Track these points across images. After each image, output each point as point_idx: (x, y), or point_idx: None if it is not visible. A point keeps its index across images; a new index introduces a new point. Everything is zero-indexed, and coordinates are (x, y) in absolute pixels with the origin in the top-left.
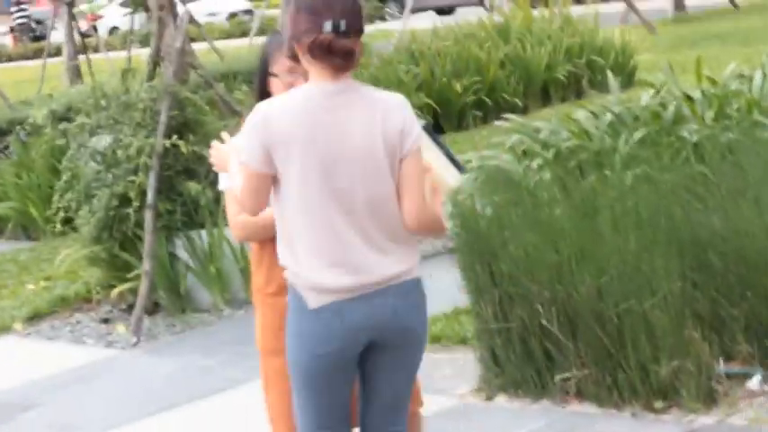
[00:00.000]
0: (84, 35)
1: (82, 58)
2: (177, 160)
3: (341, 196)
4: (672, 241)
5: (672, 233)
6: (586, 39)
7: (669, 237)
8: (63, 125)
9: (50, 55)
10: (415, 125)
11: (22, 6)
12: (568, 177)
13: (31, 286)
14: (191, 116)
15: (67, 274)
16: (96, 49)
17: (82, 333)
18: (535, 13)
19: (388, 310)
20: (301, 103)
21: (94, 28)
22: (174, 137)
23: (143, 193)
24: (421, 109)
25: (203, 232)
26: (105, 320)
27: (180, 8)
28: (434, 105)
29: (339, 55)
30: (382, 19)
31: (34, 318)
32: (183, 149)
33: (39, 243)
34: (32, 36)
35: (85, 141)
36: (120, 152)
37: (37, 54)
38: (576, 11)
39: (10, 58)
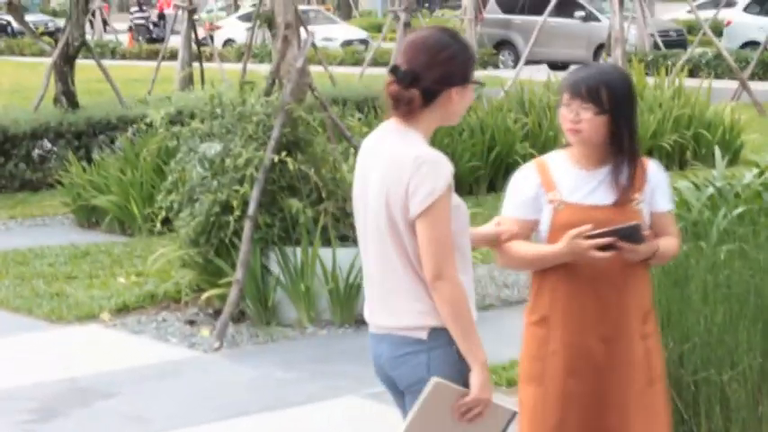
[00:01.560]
0: (200, 43)
1: (195, 65)
2: (282, 176)
3: (363, 239)
4: (758, 318)
5: (759, 310)
6: (696, 111)
7: (756, 313)
8: (177, 128)
9: (164, 58)
10: (422, 187)
11: (142, 7)
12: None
13: (122, 280)
14: (302, 135)
15: (159, 272)
16: (210, 59)
17: (167, 331)
18: (649, 79)
19: (381, 356)
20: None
21: (211, 38)
22: (283, 153)
23: (245, 204)
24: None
25: (298, 249)
26: (191, 322)
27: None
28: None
29: (389, 96)
30: (495, 66)
31: (122, 310)
32: (291, 166)
33: (134, 239)
34: (148, 37)
35: (196, 146)
36: (228, 161)
37: (150, 55)
38: (689, 83)
39: (124, 56)
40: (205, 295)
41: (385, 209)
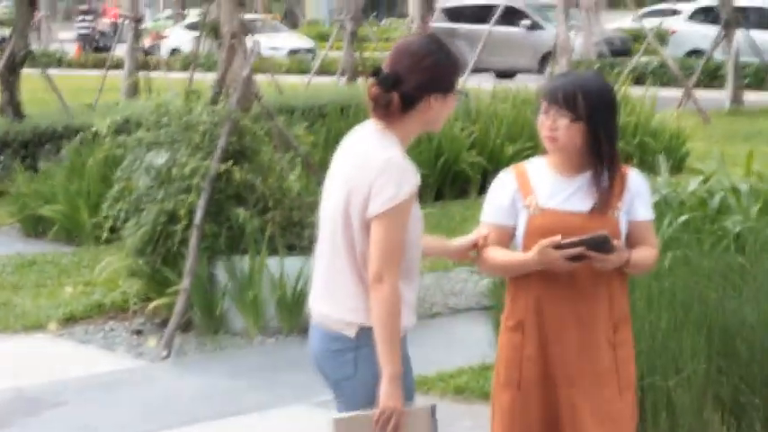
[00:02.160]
0: (146, 52)
1: (142, 74)
2: (229, 185)
3: (321, 226)
4: (702, 324)
5: (703, 317)
6: (641, 119)
7: (700, 320)
8: (122, 137)
9: (110, 67)
10: (386, 189)
11: (86, 17)
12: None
13: (69, 289)
14: (248, 144)
15: (107, 282)
16: (156, 68)
17: (114, 341)
18: None
19: (314, 346)
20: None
21: (157, 47)
22: (230, 162)
23: (191, 213)
24: (471, 167)
25: (245, 258)
26: (138, 332)
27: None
28: (485, 164)
29: (369, 98)
30: None
31: (69, 320)
32: (237, 175)
33: (81, 249)
34: (95, 47)
35: (142, 155)
36: (174, 170)
37: (97, 64)
38: (635, 91)
39: (70, 66)
40: (152, 305)
41: (343, 204)
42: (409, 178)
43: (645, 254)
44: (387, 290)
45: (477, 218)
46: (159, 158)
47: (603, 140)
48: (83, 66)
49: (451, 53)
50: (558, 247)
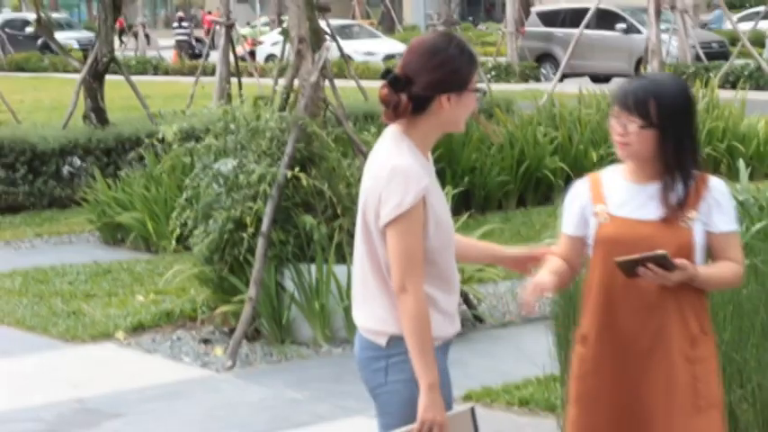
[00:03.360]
0: (241, 58)
1: (235, 80)
2: (297, 192)
3: (356, 238)
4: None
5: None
6: (730, 124)
7: (766, 331)
8: (190, 144)
9: (206, 74)
10: (391, 198)
11: (183, 24)
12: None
13: (140, 298)
14: (316, 150)
15: (177, 290)
16: (251, 74)
17: (180, 350)
18: None
19: (356, 354)
20: None
21: (252, 54)
22: (297, 169)
23: (259, 221)
24: (554, 173)
25: (313, 266)
26: (206, 341)
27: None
28: (568, 170)
29: (379, 100)
30: (537, 79)
31: (137, 329)
32: (304, 182)
33: (157, 256)
34: (191, 53)
35: (210, 163)
36: (242, 177)
37: (193, 71)
38: (725, 95)
39: (167, 72)
40: (218, 312)
41: (362, 213)
42: (413, 185)
43: (723, 270)
44: (411, 300)
45: (558, 224)
46: (227, 165)
47: (676, 147)
48: (180, 72)
49: (464, 49)
50: (626, 262)
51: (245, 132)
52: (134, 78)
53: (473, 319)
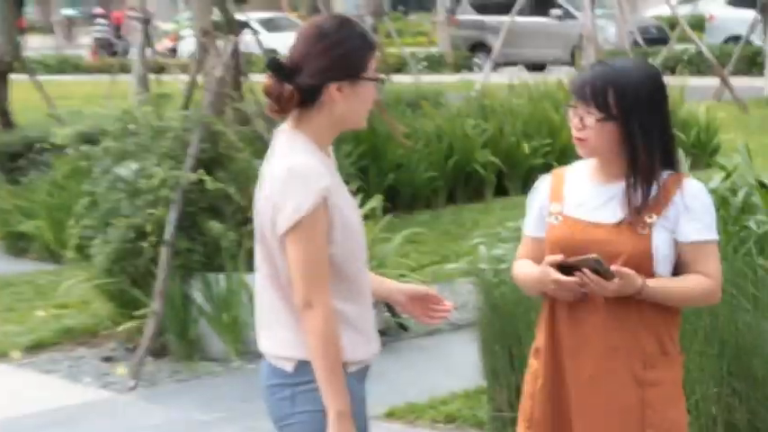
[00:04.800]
0: (161, 55)
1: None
2: (203, 196)
3: (256, 252)
4: (713, 341)
5: (713, 332)
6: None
7: (710, 336)
8: (86, 147)
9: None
10: (289, 202)
11: (101, 21)
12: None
13: (41, 313)
14: (223, 151)
15: (80, 304)
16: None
17: (80, 370)
18: None
19: (260, 379)
20: None
21: (174, 50)
22: (202, 171)
23: (162, 228)
24: (485, 167)
25: (222, 276)
26: (108, 359)
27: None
28: (500, 164)
29: (264, 94)
30: (470, 69)
31: (36, 347)
32: (210, 186)
33: (62, 267)
34: (112, 52)
35: (109, 167)
36: (143, 181)
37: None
38: (669, 81)
39: (87, 71)
40: (120, 328)
41: (259, 227)
42: (312, 185)
43: (688, 284)
44: (317, 316)
45: (489, 222)
46: (127, 169)
47: (641, 143)
48: (99, 71)
49: (357, 32)
50: (563, 266)
51: (145, 133)
52: (52, 78)
53: (397, 328)
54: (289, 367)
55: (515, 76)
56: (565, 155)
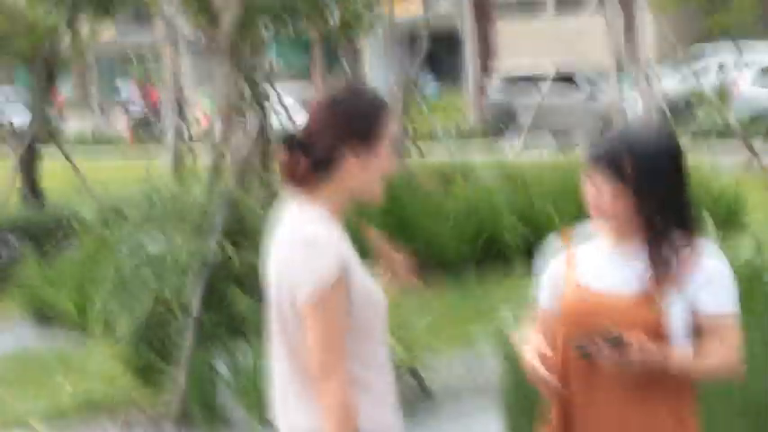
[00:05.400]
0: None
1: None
2: (229, 269)
3: (271, 331)
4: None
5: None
6: (703, 183)
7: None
8: (112, 220)
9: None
10: (307, 274)
11: (134, 101)
12: None
13: (66, 385)
14: (249, 226)
15: (105, 377)
16: None
17: None
18: None
19: None
20: None
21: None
22: (228, 246)
23: (187, 300)
24: (515, 240)
25: (247, 347)
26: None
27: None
28: (531, 239)
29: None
30: (499, 143)
31: (59, 419)
32: (235, 260)
33: (90, 339)
34: (149, 131)
35: (135, 242)
36: (169, 256)
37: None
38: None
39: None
40: (143, 401)
41: (276, 304)
42: (332, 256)
43: (708, 355)
44: (334, 391)
45: (518, 298)
46: (153, 243)
47: (657, 211)
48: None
49: (367, 95)
50: (581, 349)
51: (172, 209)
52: (89, 160)
53: (420, 393)
54: None
55: (546, 151)
56: None
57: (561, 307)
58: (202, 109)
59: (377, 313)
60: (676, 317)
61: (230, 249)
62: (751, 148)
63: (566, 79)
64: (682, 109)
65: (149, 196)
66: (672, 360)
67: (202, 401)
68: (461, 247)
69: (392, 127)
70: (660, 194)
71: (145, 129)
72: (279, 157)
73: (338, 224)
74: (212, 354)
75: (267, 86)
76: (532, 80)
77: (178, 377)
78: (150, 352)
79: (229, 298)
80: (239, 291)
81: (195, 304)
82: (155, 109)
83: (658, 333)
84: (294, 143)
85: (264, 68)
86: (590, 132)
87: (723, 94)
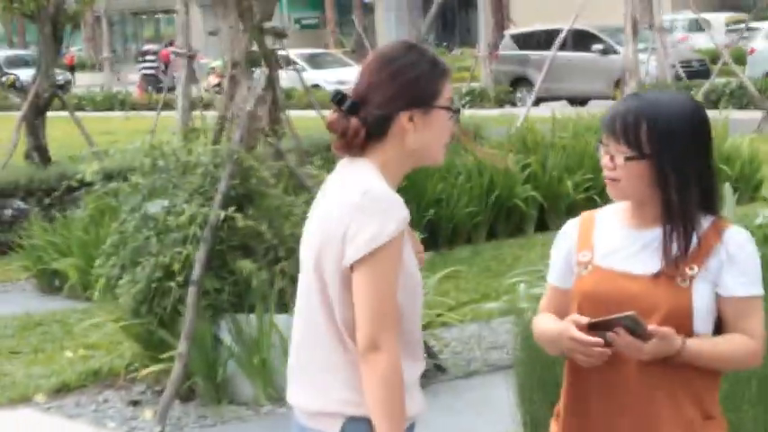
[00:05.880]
0: (206, 90)
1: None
2: (233, 234)
3: (299, 293)
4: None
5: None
6: (714, 145)
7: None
8: (114, 184)
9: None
10: (366, 228)
11: (148, 57)
12: None
13: (68, 353)
14: (254, 187)
15: (109, 344)
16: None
17: (106, 414)
18: None
19: None
20: None
21: (219, 85)
22: (233, 208)
23: (190, 267)
24: (526, 201)
25: (252, 317)
26: (135, 402)
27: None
28: (541, 200)
29: (328, 129)
30: (512, 104)
31: (61, 390)
32: (240, 223)
33: (94, 306)
34: (159, 88)
35: (138, 204)
36: (171, 219)
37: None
38: (709, 114)
39: (134, 108)
40: (145, 372)
41: (314, 258)
42: (395, 212)
43: (731, 344)
44: (384, 360)
45: (531, 258)
46: (155, 206)
47: (676, 184)
48: (147, 107)
49: (428, 56)
50: (592, 327)
51: (175, 169)
52: (98, 114)
53: (434, 369)
54: (335, 428)
55: (558, 111)
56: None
57: (575, 288)
58: (216, 68)
59: (418, 295)
60: (700, 300)
61: (235, 213)
62: (765, 108)
63: (581, 36)
64: (696, 69)
65: (153, 156)
66: (693, 349)
67: (206, 373)
68: (471, 204)
69: (451, 91)
70: (679, 166)
71: (155, 84)
72: (328, 117)
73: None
74: (216, 323)
75: (276, 41)
76: (546, 36)
77: (181, 348)
78: (152, 321)
79: (233, 265)
80: (244, 257)
81: (198, 271)
82: (165, 64)
83: (681, 318)
84: (344, 102)
85: (273, 22)
86: (604, 90)
87: (739, 53)
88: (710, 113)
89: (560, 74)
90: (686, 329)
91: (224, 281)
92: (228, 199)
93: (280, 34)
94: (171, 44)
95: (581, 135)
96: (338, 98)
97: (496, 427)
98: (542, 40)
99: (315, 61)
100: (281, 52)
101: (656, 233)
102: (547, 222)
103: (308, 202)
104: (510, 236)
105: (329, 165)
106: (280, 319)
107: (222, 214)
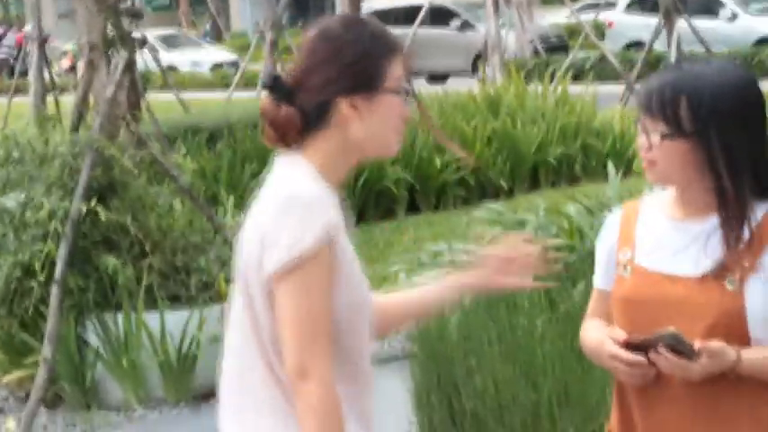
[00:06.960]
0: (58, 75)
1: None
2: (95, 228)
3: (233, 307)
4: None
5: None
6: (583, 119)
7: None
8: None
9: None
10: (284, 237)
11: (1, 41)
12: (555, 286)
13: None
14: (116, 178)
15: None
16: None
17: None
18: (529, 87)
19: None
20: None
21: (73, 68)
22: (94, 201)
23: (52, 265)
24: (397, 183)
25: (119, 316)
26: None
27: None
28: (411, 181)
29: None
30: None
31: None
32: (103, 216)
33: None
34: (11, 72)
35: None
36: (29, 214)
37: (17, 91)
38: (574, 90)
39: None
40: (7, 378)
41: (242, 276)
42: (317, 217)
43: None
44: (314, 391)
45: (402, 242)
46: (11, 200)
47: (725, 166)
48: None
49: (369, 31)
50: (631, 347)
51: (31, 160)
52: None
53: None
54: None
55: (420, 87)
56: (479, 168)
57: (614, 292)
58: (69, 51)
59: (364, 306)
60: (756, 303)
61: (97, 206)
62: (628, 81)
63: (438, 11)
64: (555, 44)
65: (6, 147)
66: (751, 361)
67: (72, 377)
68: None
69: (402, 71)
70: (728, 146)
71: (6, 69)
72: (261, 104)
73: (333, 186)
74: (82, 324)
75: (132, 23)
76: (404, 12)
77: (45, 352)
78: (13, 323)
79: (97, 261)
80: (108, 252)
81: (60, 269)
82: (19, 49)
83: (734, 325)
84: (280, 89)
85: (128, 4)
86: (463, 66)
87: (598, 26)
88: (577, 89)
89: (420, 50)
90: (741, 337)
91: (88, 279)
92: (90, 191)
93: (136, 15)
94: (20, 28)
95: (448, 113)
96: (271, 82)
97: (396, 420)
98: (401, 16)
99: (169, 42)
100: (137, 34)
101: (705, 225)
102: (418, 203)
103: (174, 193)
104: (380, 219)
105: (194, 151)
106: (149, 317)
107: (84, 208)
